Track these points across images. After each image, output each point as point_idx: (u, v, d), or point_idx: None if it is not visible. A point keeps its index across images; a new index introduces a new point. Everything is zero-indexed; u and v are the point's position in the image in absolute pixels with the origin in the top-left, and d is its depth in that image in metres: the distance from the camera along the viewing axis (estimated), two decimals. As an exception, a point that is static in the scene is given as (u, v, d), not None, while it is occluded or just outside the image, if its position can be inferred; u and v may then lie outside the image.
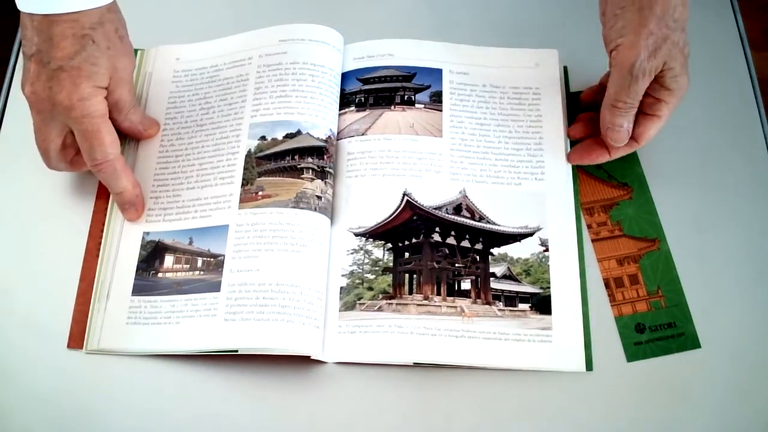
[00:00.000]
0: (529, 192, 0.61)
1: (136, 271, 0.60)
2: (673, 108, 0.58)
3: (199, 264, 0.59)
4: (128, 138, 0.64)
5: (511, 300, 0.59)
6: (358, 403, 0.56)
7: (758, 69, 0.68)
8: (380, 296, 0.59)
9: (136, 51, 0.64)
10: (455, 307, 0.58)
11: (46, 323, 0.58)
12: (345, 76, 0.66)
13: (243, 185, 0.61)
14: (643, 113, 0.58)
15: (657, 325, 0.58)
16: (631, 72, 0.55)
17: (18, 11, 0.54)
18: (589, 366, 0.56)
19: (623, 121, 0.58)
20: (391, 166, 0.62)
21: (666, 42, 0.54)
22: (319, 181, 0.61)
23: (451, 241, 0.61)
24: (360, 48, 0.67)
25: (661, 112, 0.58)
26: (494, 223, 0.60)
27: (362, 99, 0.65)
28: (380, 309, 0.58)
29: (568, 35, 0.68)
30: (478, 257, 0.60)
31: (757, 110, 0.66)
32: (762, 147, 0.65)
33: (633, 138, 0.59)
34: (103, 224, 0.61)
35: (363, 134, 0.63)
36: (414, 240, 0.61)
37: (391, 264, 0.60)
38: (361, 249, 0.60)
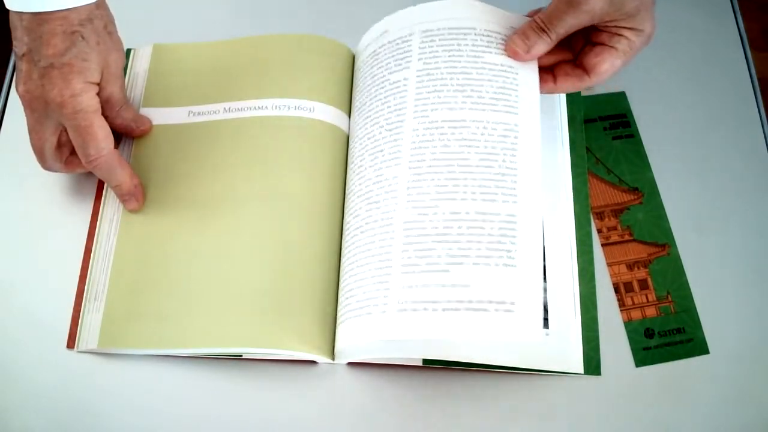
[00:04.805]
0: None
1: None
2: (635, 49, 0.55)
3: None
4: (123, 137, 0.62)
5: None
6: (358, 402, 0.56)
7: (758, 69, 0.68)
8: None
9: (127, 51, 0.62)
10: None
11: (46, 323, 0.57)
12: None
13: None
14: (601, 44, 0.55)
15: (666, 330, 0.58)
16: None
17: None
18: (596, 370, 0.56)
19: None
20: None
21: None
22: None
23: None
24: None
25: (620, 45, 0.54)
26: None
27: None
28: None
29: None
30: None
31: (757, 110, 0.66)
32: (762, 147, 0.65)
33: (585, 70, 0.56)
34: (102, 225, 0.60)
35: None
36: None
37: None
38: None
